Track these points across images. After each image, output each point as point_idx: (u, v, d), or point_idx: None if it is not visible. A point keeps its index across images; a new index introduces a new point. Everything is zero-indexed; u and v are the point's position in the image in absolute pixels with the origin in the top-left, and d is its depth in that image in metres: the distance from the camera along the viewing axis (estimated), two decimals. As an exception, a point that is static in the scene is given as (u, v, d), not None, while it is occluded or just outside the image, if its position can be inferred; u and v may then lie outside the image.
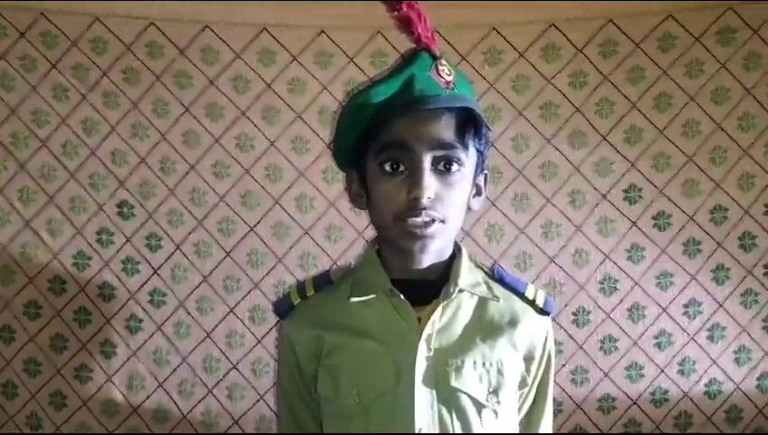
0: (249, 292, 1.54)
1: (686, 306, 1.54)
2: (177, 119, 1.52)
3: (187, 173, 1.53)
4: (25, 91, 1.49)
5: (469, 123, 0.93)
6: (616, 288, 1.54)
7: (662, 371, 1.55)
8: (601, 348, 1.55)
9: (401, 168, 0.92)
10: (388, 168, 0.92)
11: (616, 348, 1.54)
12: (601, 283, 1.54)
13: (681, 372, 1.55)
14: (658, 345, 1.55)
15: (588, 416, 1.55)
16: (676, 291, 1.54)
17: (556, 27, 1.52)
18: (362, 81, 1.51)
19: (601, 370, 1.54)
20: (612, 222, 1.54)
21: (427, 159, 0.91)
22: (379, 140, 0.93)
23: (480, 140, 0.96)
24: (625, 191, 1.54)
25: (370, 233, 1.52)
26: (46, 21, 1.48)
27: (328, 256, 1.54)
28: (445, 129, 0.92)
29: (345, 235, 1.55)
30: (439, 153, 0.92)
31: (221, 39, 1.51)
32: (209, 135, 1.53)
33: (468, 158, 0.95)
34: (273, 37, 1.51)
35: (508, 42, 1.52)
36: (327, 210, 1.54)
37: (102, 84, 1.50)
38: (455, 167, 0.93)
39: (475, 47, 1.52)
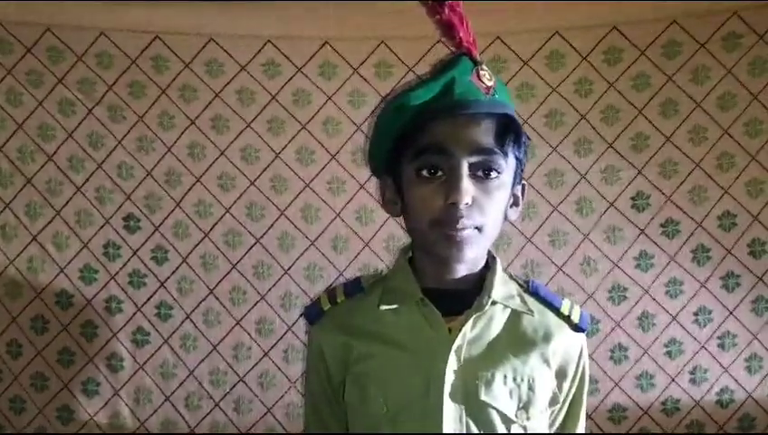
0: (255, 304, 1.53)
1: (696, 314, 1.53)
2: (182, 131, 1.52)
3: (192, 186, 1.53)
4: (32, 105, 1.50)
5: (509, 130, 0.91)
6: (625, 296, 1.53)
7: (673, 379, 1.53)
8: (611, 357, 1.53)
9: (439, 173, 0.90)
10: (425, 172, 0.90)
11: (626, 357, 1.53)
12: (610, 291, 1.53)
13: (692, 381, 1.53)
14: (669, 354, 1.53)
15: (599, 426, 1.53)
16: (686, 299, 1.53)
17: (560, 35, 1.51)
18: (367, 91, 1.51)
19: (612, 379, 1.53)
20: (620, 230, 1.53)
21: (465, 165, 0.88)
22: (417, 145, 0.90)
23: (519, 148, 0.93)
24: (632, 199, 1.53)
25: (377, 244, 1.53)
26: (52, 36, 1.49)
27: (334, 266, 1.54)
28: (484, 134, 0.89)
29: (351, 245, 1.54)
30: (478, 159, 0.89)
31: (226, 52, 1.51)
32: (215, 147, 1.53)
33: (507, 165, 0.92)
34: (278, 49, 1.52)
35: (512, 50, 1.52)
36: (333, 221, 1.54)
37: (108, 98, 1.51)
38: (493, 174, 0.90)
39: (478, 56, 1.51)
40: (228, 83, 1.52)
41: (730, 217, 1.52)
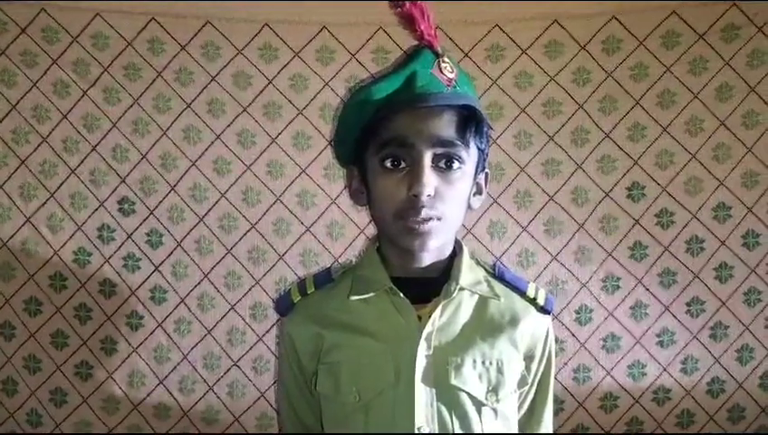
0: (250, 289, 1.53)
1: (688, 304, 1.54)
2: (178, 115, 1.51)
3: (188, 169, 1.52)
4: (26, 86, 1.49)
5: (471, 121, 0.93)
6: (618, 286, 1.53)
7: (664, 369, 1.54)
8: (604, 346, 1.54)
9: (402, 164, 0.92)
10: (388, 164, 0.93)
11: (618, 346, 1.54)
12: (604, 281, 1.54)
13: (684, 371, 1.54)
14: (661, 344, 1.54)
15: (590, 414, 1.54)
16: (679, 289, 1.53)
17: (559, 24, 1.51)
18: (364, 77, 1.50)
19: (603, 368, 1.54)
20: (615, 220, 1.53)
21: (427, 156, 0.91)
22: (381, 137, 0.93)
23: (481, 139, 0.96)
24: (628, 189, 1.53)
25: (372, 230, 1.53)
26: (47, 16, 1.47)
27: (329, 253, 1.54)
28: (446, 126, 0.92)
29: (347, 232, 1.54)
30: (440, 150, 0.92)
31: (222, 35, 1.50)
32: (210, 131, 1.52)
33: (469, 156, 0.95)
34: (275, 33, 1.51)
35: (511, 38, 1.51)
36: (329, 207, 1.53)
37: (103, 80, 1.50)
38: (455, 165, 0.93)
39: (477, 43, 1.51)
40: (225, 67, 1.51)
41: (725, 209, 1.52)
